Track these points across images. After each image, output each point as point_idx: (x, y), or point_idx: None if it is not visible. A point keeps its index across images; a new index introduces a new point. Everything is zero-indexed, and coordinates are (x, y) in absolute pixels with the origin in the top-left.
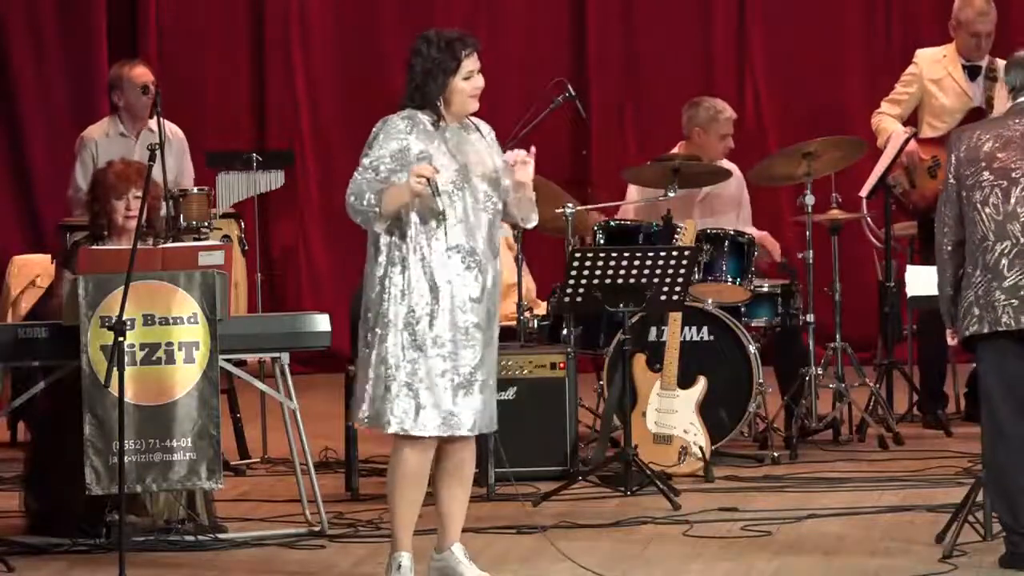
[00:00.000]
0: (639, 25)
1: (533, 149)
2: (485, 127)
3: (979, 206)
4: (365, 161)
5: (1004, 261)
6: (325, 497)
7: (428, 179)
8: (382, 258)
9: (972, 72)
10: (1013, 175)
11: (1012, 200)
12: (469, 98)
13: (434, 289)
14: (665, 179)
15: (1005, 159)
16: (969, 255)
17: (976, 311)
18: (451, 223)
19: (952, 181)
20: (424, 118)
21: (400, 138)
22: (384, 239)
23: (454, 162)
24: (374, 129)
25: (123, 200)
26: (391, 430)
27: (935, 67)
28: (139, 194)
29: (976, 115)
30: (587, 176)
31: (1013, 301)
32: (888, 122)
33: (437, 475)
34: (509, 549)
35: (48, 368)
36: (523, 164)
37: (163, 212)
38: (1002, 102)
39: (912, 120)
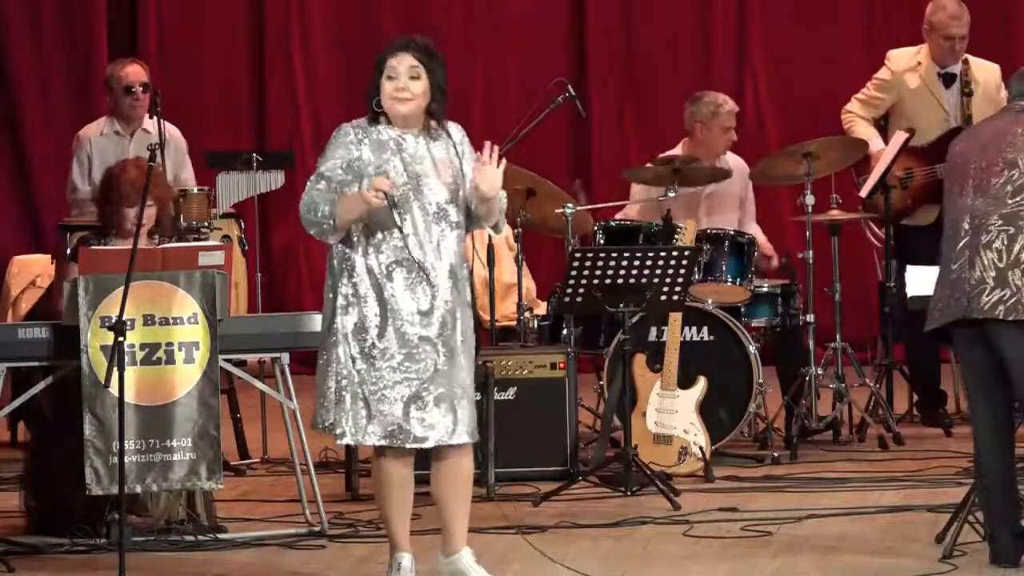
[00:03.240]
0: (639, 25)
1: (495, 148)
2: (457, 133)
3: (948, 206)
4: (318, 171)
5: (952, 255)
6: (325, 497)
7: (385, 193)
8: (333, 267)
9: (947, 79)
10: (968, 169)
11: (963, 194)
12: (390, 100)
13: (381, 301)
14: (666, 179)
15: (966, 154)
16: (945, 250)
17: (940, 306)
18: (396, 236)
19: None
20: (380, 127)
21: (350, 148)
22: (336, 248)
23: (405, 174)
24: (331, 136)
25: (133, 208)
26: (344, 440)
27: (910, 75)
28: (149, 202)
29: (957, 134)
30: (588, 176)
31: (956, 294)
32: (862, 127)
33: (434, 481)
34: (509, 549)
35: (48, 368)
36: (480, 168)
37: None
38: (982, 115)
39: (879, 121)
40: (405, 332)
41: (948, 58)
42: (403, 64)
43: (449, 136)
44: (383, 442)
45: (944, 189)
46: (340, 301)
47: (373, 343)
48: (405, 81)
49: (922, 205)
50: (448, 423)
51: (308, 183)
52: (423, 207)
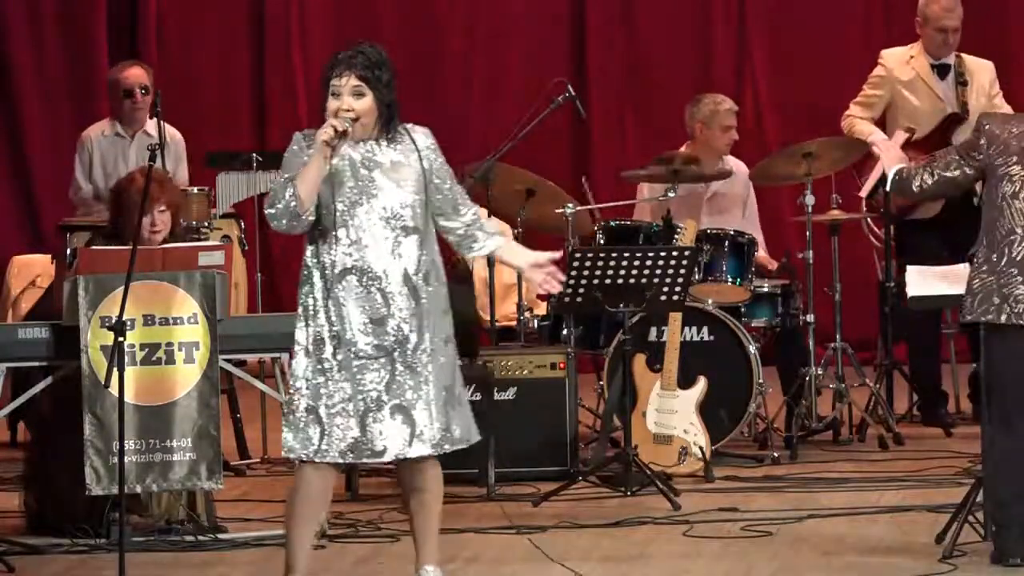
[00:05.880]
0: (639, 25)
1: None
2: (424, 139)
3: (1009, 199)
4: (272, 189)
5: (1005, 247)
6: None
7: (335, 128)
8: (301, 277)
9: (941, 71)
10: None
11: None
12: (329, 123)
13: (337, 311)
14: (666, 180)
15: None
16: (991, 243)
17: (995, 300)
18: (345, 243)
19: (977, 161)
20: None
21: (303, 152)
22: (303, 257)
23: (352, 179)
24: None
25: (148, 216)
26: (295, 455)
27: (904, 68)
28: (163, 208)
29: (954, 120)
30: (588, 176)
31: (1012, 297)
32: (862, 124)
33: (404, 496)
34: (509, 549)
35: (48, 368)
36: (547, 280)
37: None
38: (978, 106)
39: (880, 123)
40: (356, 342)
41: (941, 50)
42: (347, 85)
43: (413, 142)
44: (339, 459)
45: (999, 178)
46: (300, 312)
47: (329, 356)
48: (348, 101)
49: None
50: (405, 435)
51: (267, 200)
52: (373, 211)
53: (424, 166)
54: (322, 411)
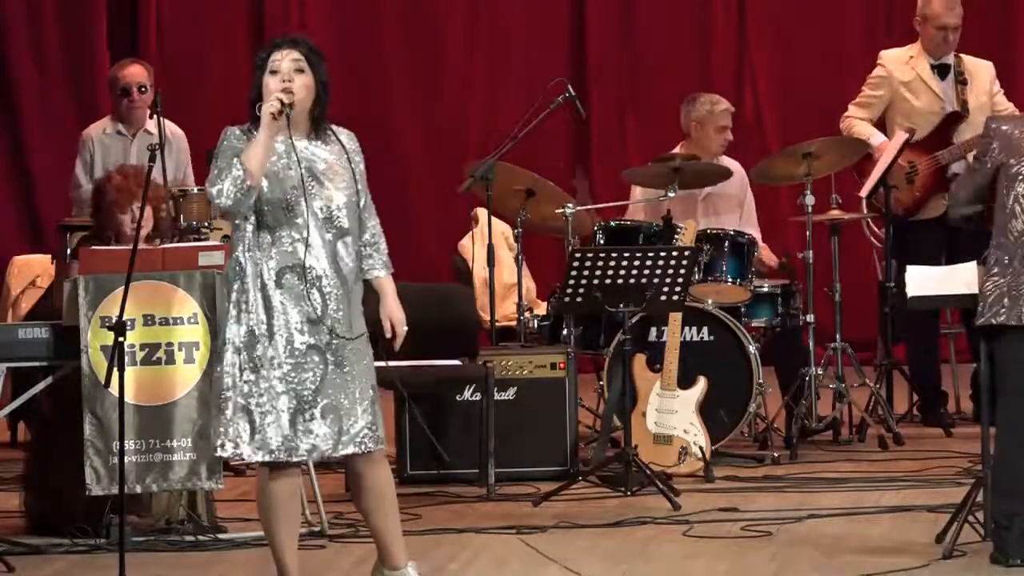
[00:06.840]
0: (639, 25)
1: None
2: (348, 140)
3: (1022, 199)
4: (215, 167)
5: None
6: (325, 497)
7: (282, 101)
8: (228, 274)
9: (941, 71)
10: None
11: None
12: (275, 96)
13: (269, 309)
14: (666, 179)
15: None
16: (1001, 245)
17: (1006, 302)
18: (286, 241)
19: (989, 164)
20: None
21: (238, 146)
22: (233, 255)
23: (294, 178)
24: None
25: (128, 214)
26: (224, 454)
27: (903, 68)
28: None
29: (955, 119)
30: (588, 176)
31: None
32: (862, 126)
33: (355, 497)
34: (509, 549)
35: (48, 368)
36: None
37: (166, 214)
38: (978, 104)
39: (879, 123)
40: (293, 341)
41: (941, 49)
42: (287, 58)
43: (340, 143)
44: (268, 458)
45: (1011, 179)
46: (232, 310)
47: (261, 354)
48: (290, 75)
49: (932, 196)
50: (333, 434)
51: (208, 182)
52: (314, 211)
53: (352, 167)
54: (253, 409)
